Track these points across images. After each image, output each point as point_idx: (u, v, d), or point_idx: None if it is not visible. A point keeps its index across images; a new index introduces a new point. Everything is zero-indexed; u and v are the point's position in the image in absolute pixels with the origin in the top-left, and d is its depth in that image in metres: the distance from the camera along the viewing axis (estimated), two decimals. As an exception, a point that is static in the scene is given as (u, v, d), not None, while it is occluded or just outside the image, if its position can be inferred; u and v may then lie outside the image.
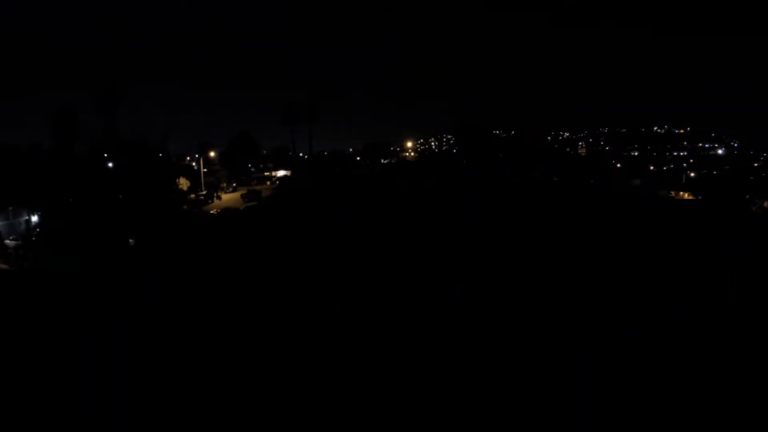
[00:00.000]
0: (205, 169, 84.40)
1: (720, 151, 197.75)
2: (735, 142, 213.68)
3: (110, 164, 43.01)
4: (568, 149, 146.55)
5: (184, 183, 60.82)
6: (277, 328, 13.21)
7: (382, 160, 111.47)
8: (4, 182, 41.97)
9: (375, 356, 11.14)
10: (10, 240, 39.67)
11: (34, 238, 38.64)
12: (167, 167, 46.59)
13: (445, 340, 11.97)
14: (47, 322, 15.31)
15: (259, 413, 9.15)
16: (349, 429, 8.65)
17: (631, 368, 10.32)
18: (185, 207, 48.32)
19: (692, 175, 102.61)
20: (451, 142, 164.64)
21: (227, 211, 48.23)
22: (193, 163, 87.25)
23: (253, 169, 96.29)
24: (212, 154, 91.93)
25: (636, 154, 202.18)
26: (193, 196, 60.40)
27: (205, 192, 65.38)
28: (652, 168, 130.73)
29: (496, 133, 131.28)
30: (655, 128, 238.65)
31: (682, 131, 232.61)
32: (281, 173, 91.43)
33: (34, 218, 44.27)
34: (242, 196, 62.80)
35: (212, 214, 50.74)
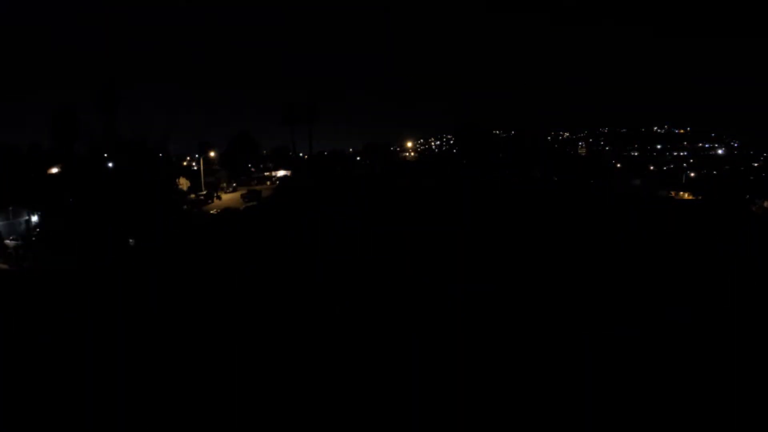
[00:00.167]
0: (213, 168, 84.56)
1: (720, 151, 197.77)
2: (735, 142, 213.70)
3: (110, 164, 43.01)
4: (568, 149, 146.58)
5: (184, 183, 60.83)
6: (277, 328, 13.21)
7: (382, 160, 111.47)
8: (4, 182, 41.97)
9: (375, 356, 11.14)
10: (10, 240, 39.66)
11: (34, 238, 38.63)
12: (167, 167, 46.59)
13: (445, 340, 11.97)
14: (47, 322, 15.31)
15: (259, 413, 9.15)
16: (349, 429, 8.65)
17: (631, 368, 10.32)
18: (185, 207, 48.32)
19: (692, 175, 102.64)
20: (451, 142, 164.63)
21: (227, 211, 48.23)
22: (193, 163, 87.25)
23: (253, 169, 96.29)
24: (212, 154, 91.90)
25: (636, 154, 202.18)
26: (193, 196, 60.40)
27: (205, 192, 65.39)
28: (652, 168, 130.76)
29: (496, 133, 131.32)
30: (655, 128, 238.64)
31: (682, 131, 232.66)
32: (281, 173, 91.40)
33: (34, 218, 44.27)
34: (242, 196, 62.79)
35: (212, 214, 50.74)
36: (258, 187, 71.72)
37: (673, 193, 78.55)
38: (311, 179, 65.21)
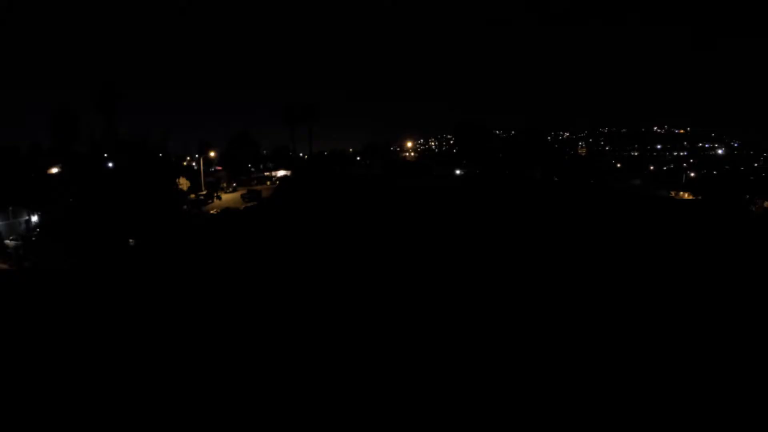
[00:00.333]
0: (212, 168, 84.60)
1: (720, 151, 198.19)
2: (735, 142, 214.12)
3: (110, 164, 43.07)
4: (568, 149, 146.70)
5: (184, 183, 60.94)
6: (277, 328, 13.22)
7: (382, 160, 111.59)
8: (4, 182, 42.05)
9: (375, 356, 11.15)
10: (10, 240, 39.71)
11: (34, 238, 38.68)
12: (167, 167, 46.64)
13: (445, 340, 11.98)
14: (47, 322, 15.32)
15: (260, 413, 9.16)
16: (349, 428, 8.66)
17: (631, 368, 10.33)
18: (185, 207, 48.37)
19: (692, 175, 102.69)
20: (452, 142, 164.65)
21: (227, 211, 48.27)
22: (193, 163, 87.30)
23: (253, 169, 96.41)
24: (212, 154, 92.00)
25: (636, 154, 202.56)
26: (193, 196, 60.49)
27: (205, 192, 65.47)
28: (652, 168, 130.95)
29: (496, 133, 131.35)
30: (655, 128, 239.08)
31: (682, 131, 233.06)
32: (281, 173, 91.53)
33: (34, 218, 44.33)
34: (242, 196, 62.88)
35: (212, 214, 50.78)
36: (258, 187, 71.82)
37: (673, 193, 78.60)
38: (311, 179, 65.31)
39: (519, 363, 10.73)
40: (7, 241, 39.57)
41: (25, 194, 42.39)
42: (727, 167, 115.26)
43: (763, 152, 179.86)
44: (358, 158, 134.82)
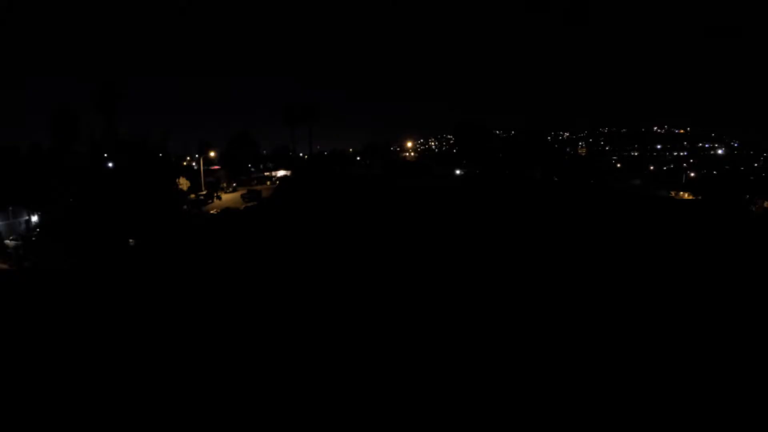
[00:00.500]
0: (213, 168, 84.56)
1: (720, 151, 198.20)
2: (735, 142, 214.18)
3: (110, 164, 43.08)
4: (568, 149, 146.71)
5: (184, 183, 60.95)
6: (277, 328, 13.22)
7: (382, 160, 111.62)
8: (4, 182, 42.07)
9: (374, 357, 11.15)
10: (10, 240, 39.71)
11: (34, 238, 38.68)
12: (167, 167, 46.65)
13: (444, 340, 11.98)
14: (47, 322, 15.32)
15: (260, 413, 9.16)
16: (349, 427, 8.66)
17: (630, 368, 10.33)
18: (185, 207, 48.38)
19: (692, 175, 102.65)
20: (451, 142, 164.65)
21: (227, 211, 48.27)
22: (193, 163, 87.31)
23: (253, 169, 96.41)
24: (212, 154, 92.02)
25: (636, 154, 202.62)
26: (193, 196, 60.49)
27: (205, 192, 65.47)
28: (652, 168, 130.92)
29: (496, 133, 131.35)
30: (655, 128, 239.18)
31: (682, 131, 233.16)
32: (281, 173, 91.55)
33: (34, 218, 44.34)
34: (242, 196, 62.88)
35: (212, 214, 50.78)
36: (258, 187, 71.84)
37: (673, 193, 78.58)
38: (311, 179, 65.33)
39: (518, 363, 10.73)
40: (7, 241, 39.57)
41: (25, 194, 42.40)
42: (727, 167, 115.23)
43: (763, 152, 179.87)
44: (358, 158, 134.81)
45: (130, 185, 36.78)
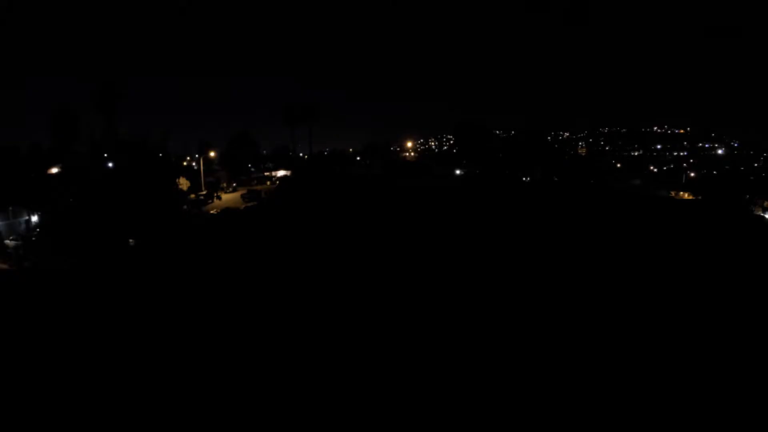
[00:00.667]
0: (213, 168, 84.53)
1: (720, 151, 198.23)
2: (735, 142, 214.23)
3: (110, 164, 43.08)
4: (568, 149, 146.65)
5: (184, 183, 60.96)
6: (277, 328, 13.22)
7: (382, 160, 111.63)
8: (4, 182, 42.06)
9: (373, 357, 11.15)
10: (10, 240, 39.71)
11: (34, 238, 38.68)
12: (167, 167, 46.64)
13: (444, 340, 11.98)
14: (47, 322, 15.32)
15: (259, 412, 9.16)
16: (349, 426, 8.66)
17: (630, 368, 10.33)
18: (185, 207, 48.38)
19: (692, 175, 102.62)
20: (451, 142, 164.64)
21: (227, 211, 48.29)
22: (193, 163, 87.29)
23: (253, 169, 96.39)
24: (212, 154, 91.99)
25: (636, 154, 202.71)
26: (193, 196, 60.49)
27: (205, 192, 65.47)
28: (652, 168, 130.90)
29: (496, 133, 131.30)
30: (655, 128, 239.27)
31: (682, 131, 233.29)
32: (281, 173, 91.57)
33: (34, 218, 44.33)
34: (242, 196, 62.91)
35: (212, 214, 50.78)
36: (258, 187, 71.87)
37: (673, 193, 78.57)
38: (311, 179, 65.34)
39: (518, 363, 10.73)
40: (7, 241, 39.57)
41: (25, 194, 42.39)
42: (727, 167, 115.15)
43: (763, 152, 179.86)
44: (358, 158, 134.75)
45: (130, 185, 36.78)
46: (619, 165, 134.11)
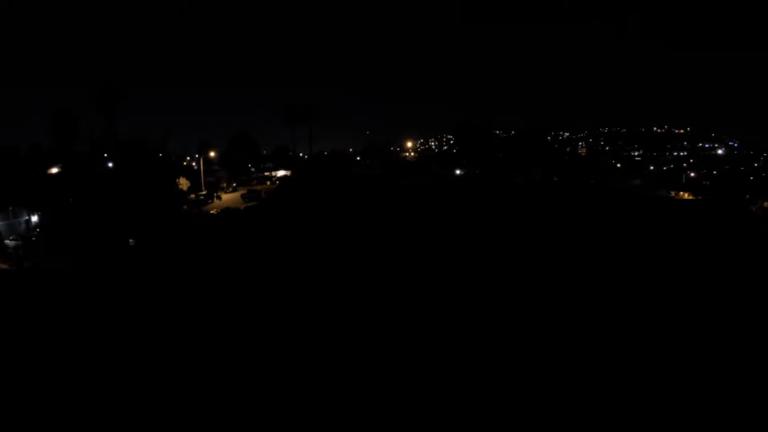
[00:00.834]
0: (213, 168, 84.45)
1: (720, 151, 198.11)
2: (735, 142, 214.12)
3: (110, 164, 43.03)
4: (568, 149, 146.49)
5: (184, 183, 60.85)
6: (277, 328, 13.21)
7: (382, 160, 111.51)
8: (4, 182, 42.00)
9: (373, 358, 11.14)
10: (10, 240, 39.66)
11: (34, 238, 38.63)
12: (167, 167, 46.57)
13: (443, 340, 11.97)
14: (47, 322, 15.31)
15: (259, 412, 9.15)
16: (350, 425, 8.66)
17: (629, 368, 10.32)
18: (185, 207, 48.32)
19: (692, 175, 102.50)
20: (451, 142, 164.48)
21: (227, 211, 48.25)
22: (193, 163, 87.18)
23: (253, 169, 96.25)
24: (212, 154, 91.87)
25: (636, 154, 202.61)
26: (193, 196, 60.38)
27: (205, 192, 65.39)
28: (652, 168, 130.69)
29: (496, 133, 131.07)
30: (655, 128, 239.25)
31: (682, 131, 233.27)
32: (281, 173, 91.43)
33: (34, 218, 44.28)
34: (242, 196, 62.82)
35: (212, 214, 50.75)
36: (258, 187, 71.78)
37: (673, 193, 78.48)
38: (311, 179, 65.29)
39: (517, 362, 10.71)
40: (7, 241, 39.51)
41: (25, 194, 42.32)
42: (727, 167, 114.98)
43: (763, 152, 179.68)
44: (358, 158, 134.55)
45: (130, 185, 36.73)
46: (619, 165, 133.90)
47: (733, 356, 10.79)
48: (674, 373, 10.13)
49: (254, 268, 20.28)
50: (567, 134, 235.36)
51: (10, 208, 43.73)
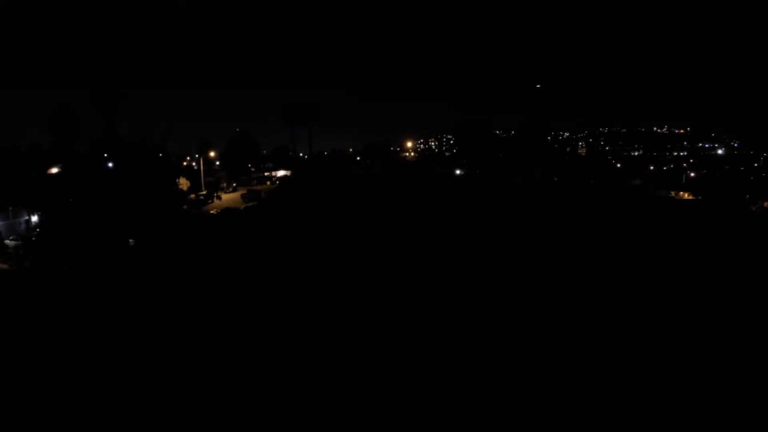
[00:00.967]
0: (213, 168, 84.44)
1: (720, 151, 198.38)
2: (735, 142, 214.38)
3: (110, 164, 43.00)
4: (568, 149, 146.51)
5: (184, 183, 60.84)
6: (277, 328, 13.21)
7: (382, 160, 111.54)
8: (4, 182, 42.01)
9: (372, 357, 11.14)
10: (10, 240, 39.65)
11: (34, 238, 38.63)
12: (167, 167, 46.54)
13: (443, 340, 11.97)
14: (47, 322, 15.31)
15: (259, 412, 9.15)
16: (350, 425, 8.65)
17: (629, 369, 10.32)
18: (185, 207, 48.29)
19: (692, 175, 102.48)
20: (451, 142, 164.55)
21: (227, 211, 48.26)
22: (193, 163, 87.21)
23: (253, 169, 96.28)
24: (212, 154, 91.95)
25: (636, 154, 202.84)
26: (193, 196, 60.37)
27: (205, 192, 65.41)
28: (652, 168, 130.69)
29: (496, 133, 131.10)
30: (655, 128, 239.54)
31: (682, 131, 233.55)
32: (281, 173, 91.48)
33: (34, 218, 44.27)
34: (242, 196, 62.86)
35: (212, 214, 50.75)
36: (258, 187, 71.84)
37: (673, 193, 78.48)
38: (311, 179, 65.28)
39: (516, 362, 10.71)
40: (7, 241, 39.50)
41: (25, 194, 42.32)
42: (727, 167, 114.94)
43: (763, 152, 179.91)
44: (358, 158, 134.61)
45: (130, 185, 36.70)
46: (619, 165, 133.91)
47: (733, 356, 10.79)
48: (674, 372, 10.13)
49: (254, 268, 20.27)
50: (567, 134, 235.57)
51: (10, 208, 43.72)
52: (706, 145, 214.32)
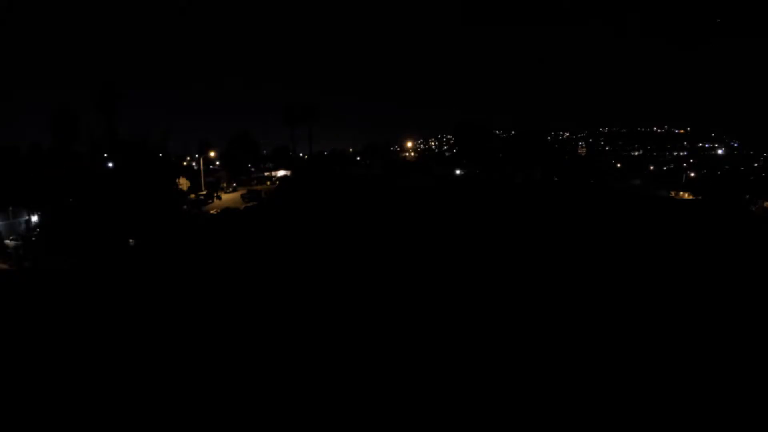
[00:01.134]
0: (213, 168, 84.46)
1: (720, 151, 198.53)
2: (735, 142, 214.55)
3: (110, 164, 43.01)
4: (568, 149, 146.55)
5: (184, 183, 60.85)
6: (277, 328, 13.21)
7: (382, 160, 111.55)
8: (4, 182, 42.02)
9: (372, 357, 11.14)
10: (10, 240, 39.65)
11: (34, 238, 38.63)
12: (167, 167, 46.54)
13: (443, 340, 11.97)
14: (47, 322, 15.31)
15: (259, 412, 9.15)
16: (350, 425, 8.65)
17: (629, 369, 10.32)
18: (185, 207, 48.30)
19: (692, 175, 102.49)
20: (451, 142, 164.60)
21: (227, 211, 48.26)
22: (193, 163, 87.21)
23: (253, 169, 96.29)
24: (212, 154, 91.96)
25: (636, 154, 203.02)
26: (193, 196, 60.37)
27: (205, 192, 65.41)
28: (652, 168, 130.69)
29: (496, 133, 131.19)
30: (655, 128, 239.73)
31: (682, 131, 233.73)
32: (281, 173, 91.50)
33: (34, 218, 44.28)
34: (242, 196, 62.87)
35: (212, 214, 50.76)
36: (258, 187, 71.85)
37: (673, 193, 78.49)
38: (311, 179, 65.27)
39: (516, 361, 10.71)
40: (7, 241, 39.49)
41: (25, 194, 42.32)
42: (727, 167, 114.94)
43: (763, 152, 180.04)
44: (358, 158, 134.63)
45: (130, 185, 36.70)
46: (619, 165, 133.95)
47: (733, 356, 10.78)
48: (674, 372, 10.13)
49: (254, 268, 20.27)
50: (567, 134, 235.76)
51: (10, 208, 43.72)
52: (706, 145, 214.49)
